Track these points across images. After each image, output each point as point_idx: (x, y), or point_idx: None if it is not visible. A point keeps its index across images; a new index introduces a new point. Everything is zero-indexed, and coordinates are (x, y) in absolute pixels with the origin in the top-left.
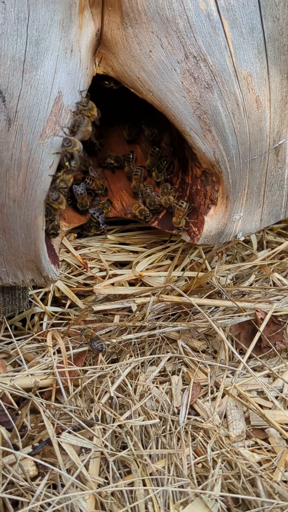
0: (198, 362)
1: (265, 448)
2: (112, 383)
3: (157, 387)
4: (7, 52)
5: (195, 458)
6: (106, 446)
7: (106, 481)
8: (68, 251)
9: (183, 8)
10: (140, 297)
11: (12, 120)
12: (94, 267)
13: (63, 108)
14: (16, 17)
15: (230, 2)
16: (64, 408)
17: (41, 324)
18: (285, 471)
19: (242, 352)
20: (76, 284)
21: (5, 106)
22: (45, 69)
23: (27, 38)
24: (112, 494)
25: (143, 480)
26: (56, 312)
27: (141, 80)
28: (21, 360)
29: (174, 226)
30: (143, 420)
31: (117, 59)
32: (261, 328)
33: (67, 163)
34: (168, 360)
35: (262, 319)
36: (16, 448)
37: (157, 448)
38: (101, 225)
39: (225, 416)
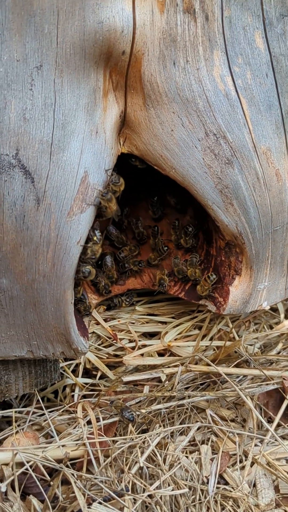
0: (227, 431)
1: None
2: (142, 453)
3: (186, 456)
4: (35, 136)
5: None
6: None
7: None
8: (98, 323)
9: (202, 89)
10: (169, 367)
11: (40, 200)
12: (123, 338)
13: (89, 186)
14: (43, 103)
15: (247, 82)
16: (95, 478)
17: (73, 396)
18: None
19: (270, 420)
20: (107, 355)
21: (34, 186)
22: (72, 150)
23: (54, 122)
24: None
25: None
26: (87, 383)
27: (163, 157)
28: (52, 432)
29: (199, 295)
30: (172, 490)
31: (140, 139)
32: None
33: (95, 238)
34: (197, 429)
35: None
36: None
37: None
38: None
39: (254, 485)
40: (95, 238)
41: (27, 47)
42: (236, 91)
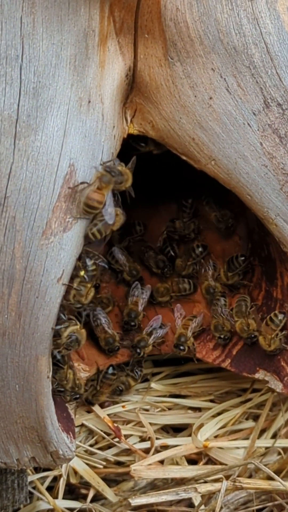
0: None
1: None
2: None
3: None
4: None
5: None
6: None
7: None
8: (89, 410)
9: (259, 32)
10: (206, 482)
11: None
12: (131, 435)
13: (77, 189)
14: (4, 55)
15: None
16: None
17: None
18: None
19: None
20: (104, 463)
21: None
22: (49, 131)
23: (21, 86)
24: None
25: None
26: (71, 510)
27: (197, 141)
28: None
29: (260, 356)
30: None
31: (159, 111)
32: None
33: (82, 272)
34: None
35: None
36: None
37: None
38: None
39: None
40: (82, 274)
41: None
42: None
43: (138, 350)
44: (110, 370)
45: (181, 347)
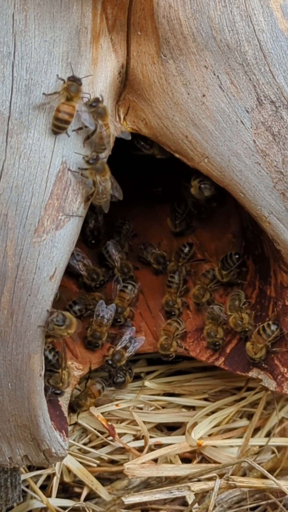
0: None
1: None
2: None
3: None
4: None
5: None
6: None
7: None
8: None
9: (253, 29)
10: (199, 480)
11: None
12: (125, 433)
13: (70, 186)
14: None
15: None
16: None
17: None
18: None
19: None
20: (98, 462)
21: None
22: (41, 129)
23: (13, 83)
24: None
25: None
26: (65, 508)
27: (190, 139)
28: None
29: (249, 360)
30: None
31: (152, 109)
32: None
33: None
34: None
35: None
36: None
37: None
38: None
39: None
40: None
41: None
42: None
43: (111, 363)
44: (98, 386)
45: (170, 356)
